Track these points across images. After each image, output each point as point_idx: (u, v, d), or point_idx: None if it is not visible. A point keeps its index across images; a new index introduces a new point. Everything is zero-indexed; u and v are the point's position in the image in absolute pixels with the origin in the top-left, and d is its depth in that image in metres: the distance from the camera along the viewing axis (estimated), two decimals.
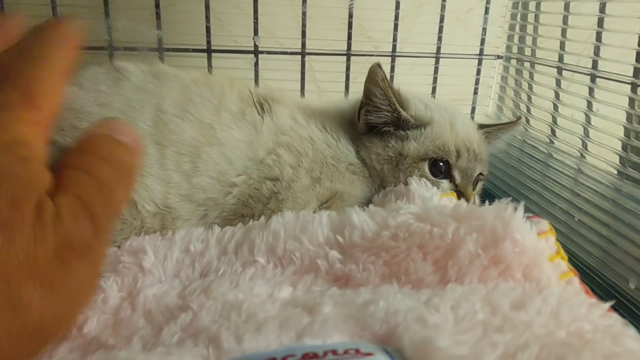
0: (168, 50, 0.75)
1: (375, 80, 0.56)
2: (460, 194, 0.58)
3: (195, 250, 0.46)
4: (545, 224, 0.36)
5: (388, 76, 0.80)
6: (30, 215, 0.23)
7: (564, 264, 0.35)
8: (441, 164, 0.58)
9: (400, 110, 0.57)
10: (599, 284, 0.55)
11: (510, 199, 0.35)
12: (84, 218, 0.25)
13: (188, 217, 0.51)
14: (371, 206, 0.48)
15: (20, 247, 0.22)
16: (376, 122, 0.58)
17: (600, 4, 0.60)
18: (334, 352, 0.26)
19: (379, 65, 0.56)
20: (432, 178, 0.57)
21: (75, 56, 0.30)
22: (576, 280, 0.34)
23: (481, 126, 0.66)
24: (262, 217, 0.49)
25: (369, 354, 0.25)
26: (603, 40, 0.61)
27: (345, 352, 0.25)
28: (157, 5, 0.73)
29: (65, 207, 0.24)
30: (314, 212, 0.53)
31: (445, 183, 0.58)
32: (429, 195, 0.49)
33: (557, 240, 0.36)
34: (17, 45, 0.28)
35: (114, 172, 0.27)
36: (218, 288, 0.42)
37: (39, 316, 0.23)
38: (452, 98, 0.87)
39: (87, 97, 0.50)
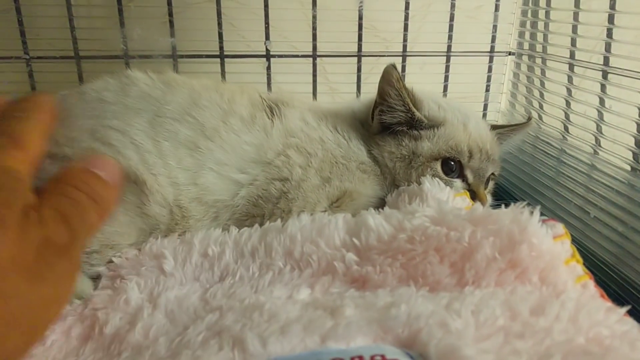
0: (182, 57, 0.76)
1: (390, 81, 0.57)
2: (472, 193, 0.59)
3: (213, 254, 0.48)
4: (560, 228, 0.36)
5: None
6: (18, 216, 0.28)
7: (579, 267, 0.35)
8: (453, 163, 0.59)
9: (415, 110, 0.58)
10: (614, 279, 0.56)
11: (526, 202, 0.36)
12: (62, 224, 0.30)
13: (200, 217, 0.53)
14: (386, 208, 0.49)
15: (11, 242, 0.27)
16: (390, 122, 0.59)
17: (611, 0, 0.60)
18: (361, 357, 0.27)
19: (393, 66, 0.57)
20: (445, 177, 0.58)
21: (52, 120, 0.37)
22: (591, 284, 0.35)
23: (494, 127, 0.66)
24: (279, 220, 0.50)
25: None
26: (614, 37, 0.61)
27: (372, 358, 0.26)
28: (171, 14, 0.74)
29: (46, 215, 0.30)
30: (325, 211, 0.54)
31: (457, 182, 0.59)
32: (444, 197, 0.50)
33: (572, 243, 0.36)
34: (6, 109, 0.36)
35: (87, 199, 0.32)
36: (239, 291, 0.43)
37: (26, 303, 0.27)
38: (464, 95, 0.87)
39: (85, 108, 0.52)
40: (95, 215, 0.33)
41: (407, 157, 0.58)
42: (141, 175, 0.50)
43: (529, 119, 0.71)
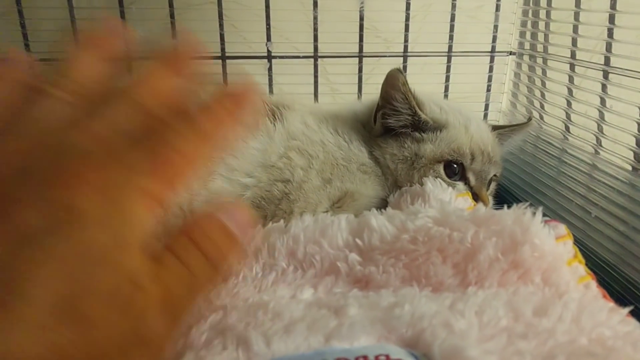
0: None
1: (396, 85, 0.57)
2: (475, 195, 0.59)
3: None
4: (562, 228, 0.37)
5: None
6: (109, 306, 0.21)
7: (581, 268, 0.36)
8: (455, 166, 0.59)
9: (421, 113, 0.58)
10: (616, 279, 0.56)
11: (528, 203, 0.36)
12: (164, 313, 0.22)
13: None
14: (389, 209, 0.50)
15: (88, 341, 0.20)
16: (394, 125, 0.59)
17: (612, 0, 0.61)
18: (365, 357, 0.27)
19: (399, 70, 0.57)
20: (447, 180, 0.58)
21: (231, 128, 0.26)
22: (594, 284, 0.35)
23: (494, 128, 0.66)
24: (282, 221, 0.51)
25: None
26: (615, 37, 0.61)
27: (376, 357, 0.27)
28: (172, 15, 0.74)
29: (153, 299, 0.22)
30: (326, 211, 0.55)
31: (460, 185, 0.59)
32: (446, 197, 0.50)
33: (574, 243, 0.37)
34: (180, 100, 0.25)
35: (206, 264, 0.24)
36: (242, 291, 0.44)
37: None
38: (465, 95, 0.87)
39: None
40: (205, 285, 0.25)
41: (409, 158, 0.59)
42: None
43: (529, 119, 0.71)
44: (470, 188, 0.60)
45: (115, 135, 0.23)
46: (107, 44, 0.27)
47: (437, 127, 0.60)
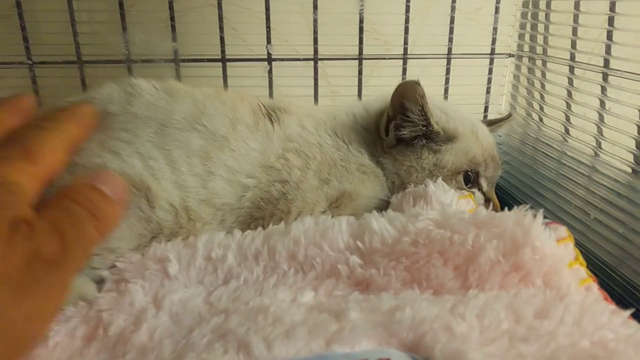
0: (184, 61, 0.77)
1: (413, 96, 0.57)
2: (487, 201, 0.60)
3: (216, 257, 0.48)
4: (563, 231, 0.37)
5: (400, 79, 0.81)
6: (5, 229, 0.28)
7: (582, 270, 0.36)
8: (470, 174, 0.60)
9: (435, 125, 0.59)
10: (616, 281, 0.56)
11: (529, 205, 0.36)
12: (55, 237, 0.29)
13: (208, 220, 0.53)
14: (390, 211, 0.50)
15: None
16: (408, 136, 0.59)
17: (610, 2, 0.61)
18: None
19: (418, 82, 0.57)
20: (466, 189, 0.60)
21: (82, 132, 0.37)
22: (595, 286, 0.35)
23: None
24: (282, 223, 0.51)
25: None
26: (614, 39, 0.61)
27: None
28: (172, 18, 0.75)
29: (39, 227, 0.29)
30: (324, 211, 0.55)
31: (478, 194, 0.61)
32: (448, 199, 0.50)
33: (576, 246, 0.37)
34: (35, 118, 0.36)
35: (86, 213, 0.32)
36: (243, 294, 0.44)
37: (9, 317, 0.27)
38: (465, 98, 0.88)
39: None
40: (93, 230, 0.32)
41: (427, 169, 0.59)
42: (146, 181, 0.50)
43: (510, 114, 0.74)
44: (483, 193, 0.61)
45: None
46: None
47: (448, 138, 0.60)
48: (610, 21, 0.61)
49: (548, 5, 0.76)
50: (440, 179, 0.56)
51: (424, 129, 0.59)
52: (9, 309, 0.27)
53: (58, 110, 0.37)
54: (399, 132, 0.60)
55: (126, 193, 0.35)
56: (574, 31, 0.69)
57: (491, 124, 0.71)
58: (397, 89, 0.58)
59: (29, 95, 0.39)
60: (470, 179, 0.61)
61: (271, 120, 0.59)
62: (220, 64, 0.77)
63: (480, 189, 0.62)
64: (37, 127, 0.35)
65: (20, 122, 0.36)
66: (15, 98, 0.38)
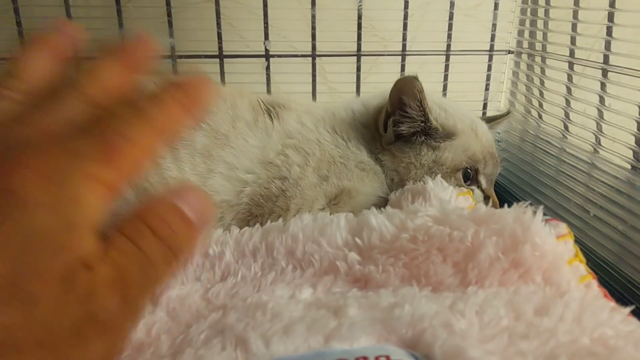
0: (181, 57, 0.76)
1: (412, 92, 0.57)
2: (487, 198, 0.60)
3: (214, 253, 0.47)
4: (563, 227, 0.36)
5: (399, 76, 0.81)
6: (55, 286, 0.21)
7: (582, 267, 0.35)
8: (470, 171, 0.60)
9: (433, 121, 0.58)
10: (615, 278, 0.56)
11: (528, 202, 0.36)
12: (116, 292, 0.22)
13: None
14: (388, 208, 0.49)
15: (38, 321, 0.20)
16: (406, 132, 0.59)
17: None
18: (365, 358, 0.27)
19: (416, 77, 0.56)
20: (465, 186, 0.59)
21: (188, 122, 0.26)
22: (595, 283, 0.35)
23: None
24: (280, 220, 0.50)
25: None
26: (614, 35, 0.61)
27: (376, 358, 0.26)
28: (169, 14, 0.74)
29: (101, 277, 0.22)
30: (323, 209, 0.55)
31: (477, 191, 0.60)
32: (447, 196, 0.50)
33: (575, 243, 0.36)
34: (129, 91, 0.26)
35: (164, 249, 0.24)
36: (241, 290, 0.43)
37: None
38: (464, 95, 0.87)
39: None
40: (164, 271, 0.24)
41: (426, 165, 0.59)
42: (154, 182, 0.50)
43: (509, 111, 0.74)
44: (482, 191, 0.61)
45: (60, 126, 0.23)
46: (56, 44, 0.28)
47: (447, 134, 0.60)
48: (610, 17, 0.61)
49: (547, 1, 0.76)
50: (439, 176, 0.56)
51: (423, 124, 0.58)
52: None
53: (165, 82, 0.26)
54: (397, 128, 0.59)
55: (209, 214, 0.27)
56: (574, 27, 0.69)
57: (490, 120, 0.71)
58: (395, 85, 0.58)
59: (150, 37, 0.28)
60: (469, 176, 0.60)
61: (270, 116, 0.59)
62: (217, 60, 0.77)
63: (479, 186, 0.62)
64: (132, 108, 0.25)
65: (132, 83, 0.27)
66: (132, 45, 0.28)
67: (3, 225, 0.20)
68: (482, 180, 0.61)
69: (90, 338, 0.21)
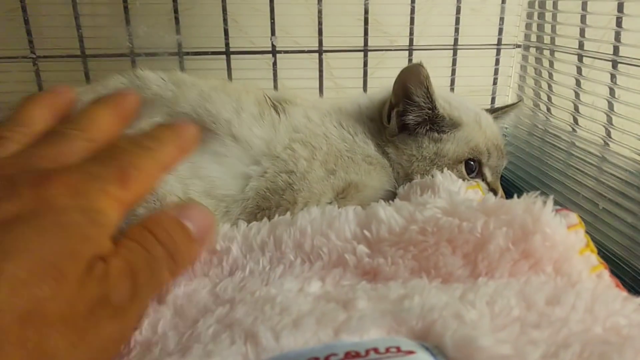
0: (188, 54, 0.76)
1: (418, 78, 0.56)
2: (493, 192, 0.60)
3: (221, 249, 0.47)
4: (574, 217, 0.36)
5: None
6: (81, 267, 0.25)
7: (593, 257, 0.35)
8: (473, 163, 0.59)
9: (440, 108, 0.58)
10: (625, 271, 0.55)
11: (538, 192, 0.36)
12: (126, 280, 0.27)
13: (212, 210, 0.53)
14: (397, 200, 0.49)
15: (64, 298, 0.24)
16: (412, 123, 0.59)
17: None
18: (376, 350, 0.26)
19: (421, 64, 0.56)
20: (468, 178, 0.59)
21: (182, 157, 0.33)
22: (606, 273, 0.34)
23: (488, 112, 0.67)
24: (288, 214, 0.50)
25: (411, 352, 0.26)
26: (624, 25, 0.60)
27: (387, 350, 0.26)
28: (176, 11, 0.74)
29: (114, 267, 0.26)
30: (330, 202, 0.55)
31: (482, 184, 0.60)
32: (456, 189, 0.49)
33: (587, 232, 0.36)
34: (138, 133, 0.32)
35: (166, 255, 0.29)
36: (249, 284, 0.43)
37: None
38: (472, 89, 0.87)
39: None
40: (167, 274, 0.29)
41: (428, 158, 0.59)
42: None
43: (519, 100, 0.74)
44: (487, 184, 0.60)
45: (74, 158, 0.30)
46: (52, 101, 0.35)
47: (453, 124, 0.59)
48: (620, 7, 0.60)
49: None
50: (446, 169, 0.55)
51: (430, 112, 0.58)
52: (66, 356, 0.24)
53: (160, 127, 0.33)
54: (405, 117, 0.59)
55: (211, 230, 0.33)
56: (583, 19, 0.68)
57: (496, 110, 0.70)
58: (400, 74, 0.58)
59: (134, 92, 0.36)
60: (473, 169, 0.60)
61: (277, 111, 0.59)
62: (224, 56, 0.77)
63: (484, 179, 0.61)
64: (138, 145, 0.31)
65: (121, 128, 0.33)
66: (120, 97, 0.35)
67: (44, 219, 0.25)
68: (487, 173, 0.61)
69: (103, 319, 0.25)
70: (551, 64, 0.76)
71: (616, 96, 0.62)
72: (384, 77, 0.83)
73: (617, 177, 0.60)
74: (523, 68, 0.85)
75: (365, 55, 0.81)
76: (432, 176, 0.54)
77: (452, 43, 0.83)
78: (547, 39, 0.78)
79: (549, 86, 0.77)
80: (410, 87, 0.57)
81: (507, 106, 0.72)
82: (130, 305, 0.27)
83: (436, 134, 0.59)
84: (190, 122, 0.34)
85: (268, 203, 0.54)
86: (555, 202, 0.35)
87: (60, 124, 0.33)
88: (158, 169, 0.31)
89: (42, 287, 0.23)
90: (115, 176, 0.29)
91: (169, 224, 0.30)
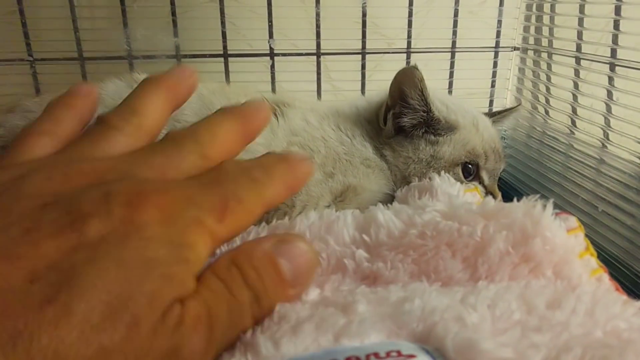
0: (185, 56, 0.76)
1: (412, 81, 0.57)
2: (489, 194, 0.60)
3: (220, 253, 0.47)
4: (574, 221, 0.36)
5: None
6: (158, 316, 0.21)
7: (593, 261, 0.35)
8: (470, 166, 0.59)
9: (435, 111, 0.58)
10: (624, 274, 0.55)
11: (538, 195, 0.36)
12: (203, 330, 0.22)
13: None
14: (395, 204, 0.49)
15: (132, 349, 0.20)
16: (407, 125, 0.59)
17: None
18: (376, 354, 0.26)
19: (416, 67, 0.56)
20: (464, 181, 0.58)
21: (288, 196, 0.29)
22: (606, 277, 0.34)
23: (487, 115, 0.67)
24: (286, 218, 0.50)
25: (412, 356, 0.25)
26: (621, 28, 0.61)
27: (387, 354, 0.26)
28: (174, 13, 0.74)
29: (192, 313, 0.22)
30: (329, 205, 0.54)
31: (478, 186, 0.60)
32: (454, 192, 0.49)
33: (586, 236, 0.36)
34: (247, 160, 0.28)
35: (252, 298, 0.25)
36: None
37: None
38: (470, 92, 0.87)
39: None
40: (249, 321, 0.25)
41: (424, 160, 0.59)
42: None
43: (519, 104, 0.74)
44: (485, 187, 0.60)
45: (178, 174, 0.26)
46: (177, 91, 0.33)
47: (449, 127, 0.59)
48: (617, 10, 0.60)
49: None
50: (443, 172, 0.55)
51: (425, 115, 0.58)
52: None
53: (273, 157, 0.29)
54: (400, 120, 0.59)
55: (310, 274, 0.28)
56: (580, 22, 0.68)
57: (496, 114, 0.70)
58: (395, 76, 0.58)
59: (267, 107, 0.32)
60: (470, 172, 0.60)
61: (275, 114, 0.59)
62: (222, 59, 0.77)
63: (481, 182, 0.61)
64: (246, 174, 0.27)
65: (242, 149, 0.29)
66: (254, 111, 0.31)
67: (128, 250, 0.22)
68: (485, 176, 0.61)
69: None
70: (549, 66, 0.76)
71: (614, 99, 0.62)
72: (381, 79, 0.83)
73: (616, 180, 0.60)
74: (521, 71, 0.85)
75: (363, 58, 0.81)
76: (430, 179, 0.54)
77: (450, 46, 0.84)
78: (544, 42, 0.78)
79: (547, 89, 0.77)
80: (406, 89, 0.57)
81: (506, 110, 0.72)
82: (202, 355, 0.23)
83: (432, 137, 0.59)
84: (305, 156, 0.30)
85: None
86: (554, 205, 0.35)
87: (177, 131, 0.28)
88: (260, 205, 0.27)
89: (112, 336, 0.20)
90: (214, 206, 0.25)
91: (261, 262, 0.25)
